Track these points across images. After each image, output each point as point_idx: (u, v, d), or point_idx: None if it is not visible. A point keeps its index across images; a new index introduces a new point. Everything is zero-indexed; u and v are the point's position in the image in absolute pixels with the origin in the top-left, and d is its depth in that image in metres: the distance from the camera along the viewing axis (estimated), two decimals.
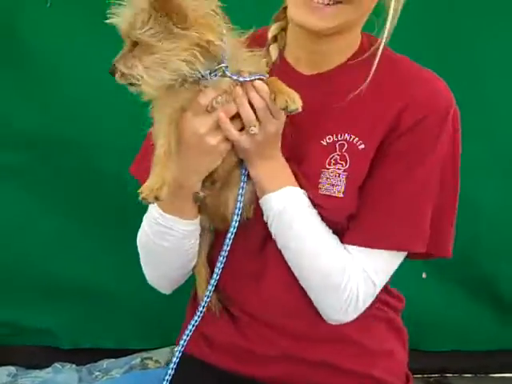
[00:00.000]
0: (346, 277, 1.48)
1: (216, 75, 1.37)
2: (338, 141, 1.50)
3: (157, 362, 2.62)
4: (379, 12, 1.51)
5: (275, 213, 1.47)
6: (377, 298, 1.60)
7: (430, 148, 1.48)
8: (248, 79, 1.39)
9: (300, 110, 1.36)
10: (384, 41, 1.47)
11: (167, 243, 1.53)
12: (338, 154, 1.50)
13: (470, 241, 2.62)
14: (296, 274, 1.52)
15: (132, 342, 2.72)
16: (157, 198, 1.34)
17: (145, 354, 2.68)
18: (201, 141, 1.41)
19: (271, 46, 1.58)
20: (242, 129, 1.42)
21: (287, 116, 1.43)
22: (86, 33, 2.45)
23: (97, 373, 2.65)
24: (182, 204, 1.50)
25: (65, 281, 2.66)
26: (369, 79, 1.47)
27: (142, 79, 1.33)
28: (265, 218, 1.51)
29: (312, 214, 1.49)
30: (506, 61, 2.57)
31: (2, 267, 2.63)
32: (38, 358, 2.71)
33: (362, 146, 1.49)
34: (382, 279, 1.53)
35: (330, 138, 1.51)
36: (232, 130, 1.40)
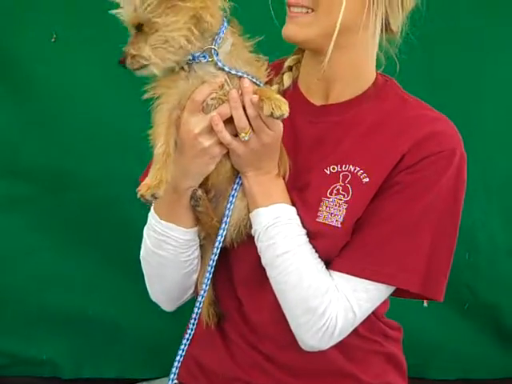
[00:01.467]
0: (326, 301, 1.44)
1: (205, 57, 1.39)
2: (342, 171, 1.49)
3: None
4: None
5: (263, 227, 1.46)
6: (376, 330, 1.60)
7: (430, 187, 1.46)
8: (235, 72, 1.39)
9: (286, 116, 1.35)
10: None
11: (164, 252, 1.53)
12: (340, 185, 1.48)
13: (467, 269, 2.63)
14: (276, 293, 1.49)
15: (133, 372, 2.71)
16: (154, 196, 1.34)
17: None
18: (194, 141, 1.41)
19: (285, 73, 1.59)
20: (236, 136, 1.42)
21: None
22: (91, 69, 2.50)
23: None
24: (179, 211, 1.49)
25: (65, 311, 2.66)
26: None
27: (150, 59, 1.36)
28: (252, 232, 1.49)
29: (300, 235, 1.47)
30: (500, 86, 2.61)
31: (2, 297, 2.64)
32: None
33: (367, 180, 1.48)
34: (364, 311, 1.48)
35: (334, 168, 1.50)
36: (224, 132, 1.40)
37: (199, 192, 1.47)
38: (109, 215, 2.57)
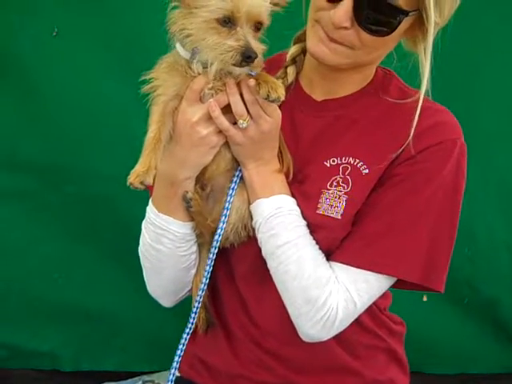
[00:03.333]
0: (326, 292, 1.44)
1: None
2: (342, 163, 1.49)
3: None
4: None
5: (264, 218, 1.46)
6: (380, 323, 1.60)
7: (430, 178, 1.46)
8: (250, 72, 1.40)
9: (282, 99, 1.36)
10: (423, 92, 1.45)
11: (162, 247, 1.53)
12: (340, 177, 1.49)
13: (466, 264, 2.64)
14: (277, 284, 1.49)
15: (133, 365, 2.72)
16: (142, 183, 1.35)
17: (146, 377, 2.68)
18: (192, 130, 1.41)
19: (289, 67, 1.58)
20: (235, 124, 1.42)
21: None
22: (91, 63, 2.49)
23: None
24: (175, 204, 1.49)
25: (65, 303, 2.67)
26: (412, 130, 1.45)
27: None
28: (253, 223, 1.49)
29: (301, 226, 1.47)
30: (499, 85, 2.61)
31: (3, 289, 2.65)
32: (38, 380, 2.70)
33: (366, 171, 1.48)
34: (364, 302, 1.48)
35: (334, 161, 1.50)
36: (221, 118, 1.40)
37: (189, 194, 1.47)
38: (108, 208, 2.58)
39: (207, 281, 1.52)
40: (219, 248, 1.51)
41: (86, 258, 2.66)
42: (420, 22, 1.42)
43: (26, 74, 2.54)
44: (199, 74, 1.41)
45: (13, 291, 2.66)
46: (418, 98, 1.46)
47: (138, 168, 1.36)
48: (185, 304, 1.69)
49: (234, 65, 1.35)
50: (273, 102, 1.37)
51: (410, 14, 1.38)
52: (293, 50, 1.60)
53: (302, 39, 1.56)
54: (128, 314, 2.64)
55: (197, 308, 1.54)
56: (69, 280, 2.67)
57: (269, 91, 1.35)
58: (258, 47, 1.36)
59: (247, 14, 1.34)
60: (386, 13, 1.37)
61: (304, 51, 1.58)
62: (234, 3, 1.33)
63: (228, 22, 1.34)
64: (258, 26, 1.37)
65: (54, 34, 2.50)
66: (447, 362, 2.81)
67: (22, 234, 2.65)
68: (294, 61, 1.59)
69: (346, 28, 1.39)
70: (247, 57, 1.33)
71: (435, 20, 1.38)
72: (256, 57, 1.34)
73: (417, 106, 1.44)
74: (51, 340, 2.70)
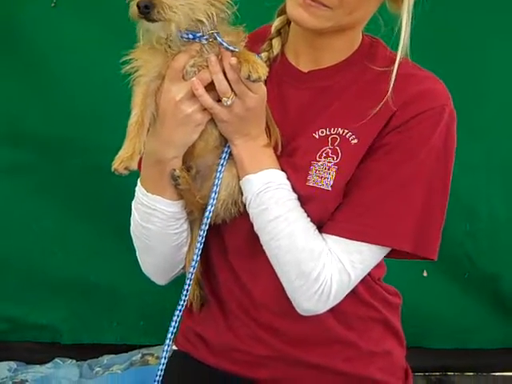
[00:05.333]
0: (320, 265, 1.43)
1: (207, 39, 1.38)
2: (331, 134, 1.48)
3: (157, 358, 2.62)
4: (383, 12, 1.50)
5: (254, 193, 1.45)
6: (375, 294, 1.59)
7: (420, 146, 1.45)
8: (230, 47, 1.37)
9: (263, 79, 1.35)
10: (399, 55, 1.43)
11: (152, 226, 1.51)
12: (329, 148, 1.47)
13: (467, 239, 2.64)
14: (270, 259, 1.48)
15: (133, 338, 2.74)
16: (127, 169, 1.34)
17: (145, 351, 2.70)
18: (176, 109, 1.39)
19: (274, 39, 1.56)
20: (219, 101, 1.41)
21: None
22: (91, 34, 2.48)
23: (97, 368, 2.66)
24: (163, 183, 1.47)
25: (66, 277, 2.68)
26: (390, 91, 1.43)
27: (176, 15, 1.32)
28: (243, 199, 1.48)
29: (291, 199, 1.46)
30: (505, 63, 2.58)
31: (3, 263, 2.65)
32: (38, 353, 2.73)
33: (355, 141, 1.46)
34: (358, 273, 1.47)
35: (322, 132, 1.49)
36: (205, 96, 1.38)
37: (177, 172, 1.45)
38: (110, 182, 2.56)
39: (198, 258, 1.51)
40: (210, 224, 1.50)
41: (86, 232, 2.67)
42: None
43: (27, 46, 2.53)
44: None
45: (13, 264, 2.67)
46: (402, 64, 1.45)
47: (122, 153, 1.35)
48: (184, 278, 1.68)
49: (139, 18, 1.31)
50: (254, 81, 1.35)
51: None
52: (277, 22, 1.57)
53: (285, 11, 1.53)
54: (127, 288, 2.65)
55: (188, 285, 1.53)
56: (68, 254, 2.67)
57: (250, 71, 1.33)
58: None
59: None
60: None
61: (288, 23, 1.56)
62: None
63: None
64: None
65: (53, 4, 2.48)
66: (447, 337, 2.82)
67: (24, 207, 2.65)
68: (278, 33, 1.57)
69: None
70: (144, 6, 1.30)
71: None
72: (154, 6, 1.29)
73: (395, 65, 1.43)
74: (51, 313, 2.71)
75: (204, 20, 1.35)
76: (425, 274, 2.68)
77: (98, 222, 2.66)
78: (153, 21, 1.32)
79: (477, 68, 2.57)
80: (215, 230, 1.54)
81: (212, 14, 1.36)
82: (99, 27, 2.46)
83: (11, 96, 2.57)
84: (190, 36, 1.37)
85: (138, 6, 1.30)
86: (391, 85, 1.43)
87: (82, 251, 2.67)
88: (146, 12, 1.30)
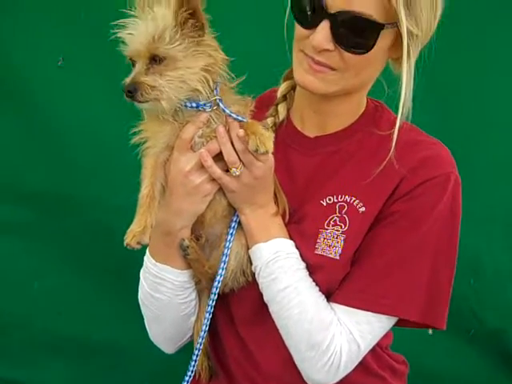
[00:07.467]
0: (329, 335, 1.43)
1: (210, 106, 1.40)
2: (339, 202, 1.49)
3: None
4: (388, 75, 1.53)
5: (263, 263, 1.45)
6: (383, 363, 1.59)
7: (427, 214, 1.45)
8: (239, 117, 1.40)
9: (270, 152, 1.37)
10: (400, 117, 1.45)
11: (161, 295, 1.53)
12: (337, 216, 1.48)
13: (471, 294, 2.62)
14: (280, 329, 1.48)
15: None
16: (139, 243, 1.35)
17: None
18: (185, 179, 1.41)
19: (280, 104, 1.58)
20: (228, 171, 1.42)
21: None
22: (94, 93, 2.50)
23: None
24: (172, 253, 1.49)
25: (67, 337, 2.65)
26: (392, 151, 1.45)
27: (164, 93, 1.35)
28: (253, 269, 1.49)
29: (300, 269, 1.46)
30: (508, 116, 2.60)
31: (2, 322, 2.63)
32: None
33: (363, 209, 1.47)
34: (368, 343, 1.48)
35: (330, 199, 1.50)
36: (213, 167, 1.40)
37: (186, 242, 1.47)
38: (110, 240, 2.56)
39: (207, 328, 1.51)
40: (219, 294, 1.50)
41: (88, 290, 2.64)
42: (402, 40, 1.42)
43: (30, 103, 2.55)
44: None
45: (13, 324, 2.65)
46: (406, 130, 1.46)
47: (134, 228, 1.37)
48: (191, 346, 1.66)
49: (130, 100, 1.36)
50: (261, 154, 1.37)
51: (386, 26, 1.38)
52: (283, 87, 1.60)
53: (290, 77, 1.57)
54: (131, 348, 2.61)
55: (197, 356, 1.53)
56: (71, 314, 2.65)
57: (258, 145, 1.36)
58: (147, 80, 1.35)
59: (137, 52, 1.36)
60: (363, 28, 1.38)
61: (294, 87, 1.59)
62: (129, 45, 1.36)
63: (133, 63, 1.38)
64: (155, 58, 1.36)
65: (60, 63, 2.52)
66: None
67: (23, 265, 2.63)
68: (284, 98, 1.60)
69: (328, 50, 1.39)
70: (129, 91, 1.35)
71: (413, 31, 1.38)
72: (137, 89, 1.34)
73: (395, 128, 1.44)
74: (52, 374, 2.67)
75: (200, 88, 1.38)
76: (430, 332, 2.64)
77: (98, 280, 2.64)
78: (141, 102, 1.36)
79: (479, 122, 2.58)
80: (222, 300, 1.54)
81: (208, 80, 1.38)
82: (103, 86, 2.49)
83: (11, 153, 2.58)
84: (194, 105, 1.40)
85: (123, 90, 1.35)
86: (393, 144, 1.44)
87: (83, 311, 2.64)
88: (131, 96, 1.35)
